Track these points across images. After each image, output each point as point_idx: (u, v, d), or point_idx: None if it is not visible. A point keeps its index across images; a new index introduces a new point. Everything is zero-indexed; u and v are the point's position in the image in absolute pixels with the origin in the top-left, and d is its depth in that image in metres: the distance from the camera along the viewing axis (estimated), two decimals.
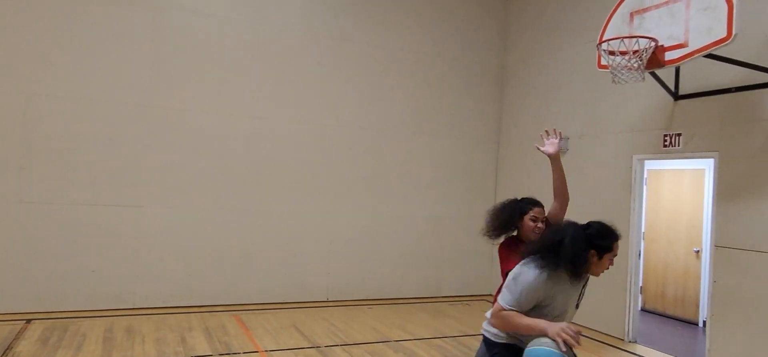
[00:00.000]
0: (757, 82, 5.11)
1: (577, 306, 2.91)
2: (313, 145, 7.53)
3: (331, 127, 7.65)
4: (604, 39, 5.19)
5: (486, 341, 2.98)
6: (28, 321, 5.80)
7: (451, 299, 8.35)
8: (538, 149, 3.47)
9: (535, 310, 2.71)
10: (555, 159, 3.44)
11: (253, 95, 7.19)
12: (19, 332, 5.40)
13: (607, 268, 2.76)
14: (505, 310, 2.71)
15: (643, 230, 7.89)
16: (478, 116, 8.72)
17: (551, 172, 3.55)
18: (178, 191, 6.79)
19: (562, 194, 3.44)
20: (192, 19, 6.85)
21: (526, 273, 2.69)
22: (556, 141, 3.46)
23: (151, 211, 6.64)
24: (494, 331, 2.88)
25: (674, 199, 7.91)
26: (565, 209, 3.48)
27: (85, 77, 6.36)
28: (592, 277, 2.89)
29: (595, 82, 6.99)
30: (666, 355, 5.98)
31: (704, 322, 6.99)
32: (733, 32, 4.33)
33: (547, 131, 3.51)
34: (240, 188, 7.12)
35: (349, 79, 7.77)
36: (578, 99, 7.38)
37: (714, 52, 4.58)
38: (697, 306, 7.45)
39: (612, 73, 4.90)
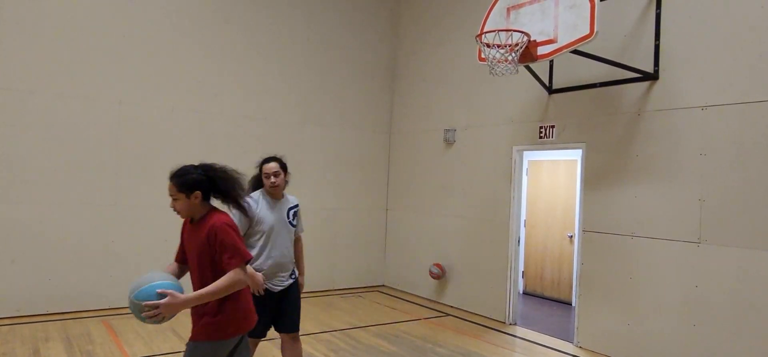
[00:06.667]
0: (618, 78, 5.52)
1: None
2: (192, 134, 7.07)
3: (212, 114, 7.22)
4: (482, 32, 5.32)
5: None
6: None
7: (344, 292, 8.28)
8: None
9: None
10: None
11: (120, 78, 6.57)
12: None
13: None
14: None
15: (523, 218, 8.33)
16: (369, 107, 8.69)
17: None
18: (32, 185, 6.04)
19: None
20: None
21: None
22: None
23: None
24: None
25: (551, 188, 8.41)
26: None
27: None
28: None
29: (478, 75, 7.21)
30: (542, 334, 6.34)
31: None
32: (595, 30, 4.60)
33: None
34: (107, 181, 6.49)
35: (231, 65, 7.38)
36: (463, 91, 7.59)
37: (579, 49, 4.85)
38: (571, 288, 7.99)
39: (489, 65, 5.03)
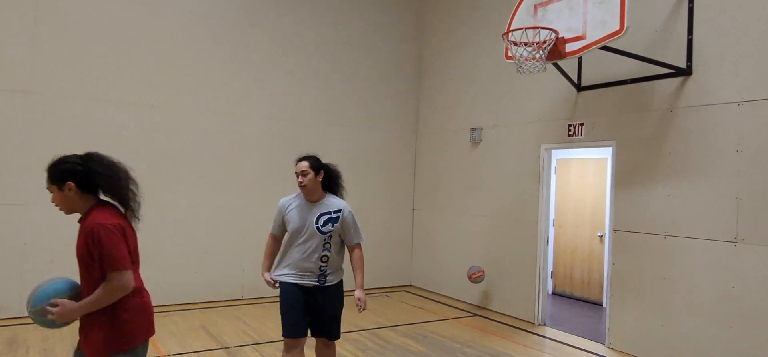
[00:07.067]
0: (649, 74, 5.41)
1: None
2: (221, 135, 7.19)
3: (239, 116, 7.34)
4: (509, 30, 5.29)
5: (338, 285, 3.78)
6: None
7: (371, 291, 8.32)
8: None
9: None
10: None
11: (150, 82, 6.73)
12: None
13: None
14: None
15: (552, 217, 8.23)
16: (395, 107, 8.71)
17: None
18: None
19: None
20: None
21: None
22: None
23: (37, 209, 6.06)
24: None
25: (580, 187, 8.29)
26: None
27: None
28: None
29: (504, 74, 7.16)
30: (572, 335, 6.25)
31: None
32: (625, 25, 4.52)
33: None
34: (142, 183, 6.61)
35: (258, 68, 7.48)
36: (490, 90, 7.54)
37: (609, 45, 4.78)
38: (602, 288, 7.86)
39: (516, 63, 4.99)
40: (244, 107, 7.39)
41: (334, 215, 3.65)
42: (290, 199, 3.75)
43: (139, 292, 2.49)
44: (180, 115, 6.92)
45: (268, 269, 3.82)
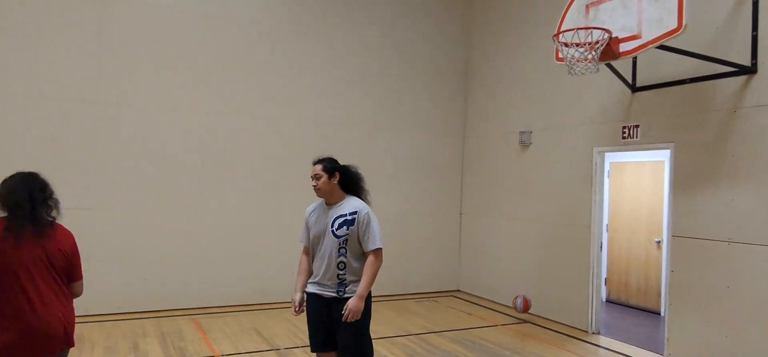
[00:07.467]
0: (710, 73, 5.16)
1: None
2: (271, 140, 7.37)
3: (289, 122, 7.50)
4: (559, 31, 5.17)
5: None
6: None
7: (418, 296, 8.30)
8: None
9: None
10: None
11: (206, 91, 6.99)
12: None
13: None
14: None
15: (605, 222, 7.98)
16: (442, 111, 8.68)
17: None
18: (130, 191, 6.54)
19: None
20: (142, 11, 6.62)
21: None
22: None
23: (101, 213, 6.39)
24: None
25: (635, 191, 8.00)
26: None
27: (27, 72, 6.07)
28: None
29: (554, 75, 7.01)
30: (628, 345, 6.03)
31: None
32: (684, 23, 4.34)
33: None
34: (195, 187, 6.91)
35: (307, 74, 7.62)
36: (539, 92, 7.40)
37: (666, 44, 4.59)
38: (659, 296, 7.55)
39: (568, 65, 4.88)
40: (296, 113, 7.55)
41: (349, 217, 3.41)
42: (314, 205, 3.61)
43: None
44: (234, 121, 7.14)
45: (301, 288, 3.54)
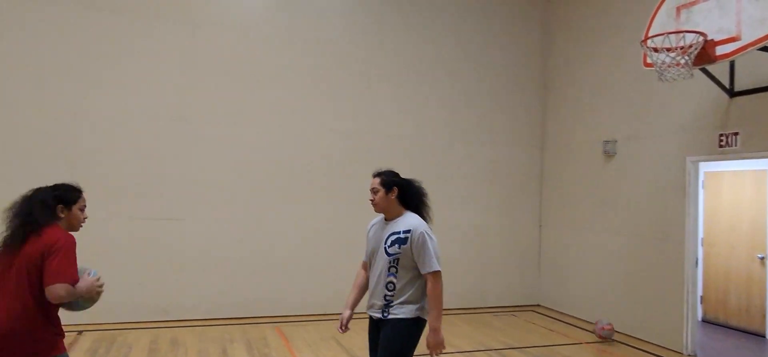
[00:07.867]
0: None
1: None
2: (347, 152, 7.53)
3: (365, 134, 7.63)
4: (648, 36, 4.93)
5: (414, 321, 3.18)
6: (80, 332, 6.04)
7: (496, 310, 8.13)
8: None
9: None
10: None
11: (290, 106, 7.27)
12: (71, 343, 5.63)
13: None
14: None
15: (700, 236, 7.44)
16: (520, 121, 8.50)
17: None
18: (219, 203, 6.92)
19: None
20: (227, 33, 7.02)
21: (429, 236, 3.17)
22: None
23: (192, 224, 6.81)
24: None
25: (734, 202, 7.41)
26: None
27: (125, 93, 6.60)
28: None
29: (642, 82, 6.66)
30: None
31: None
32: None
33: None
34: (280, 199, 7.19)
35: (383, 86, 7.74)
36: (625, 100, 7.06)
37: None
38: (764, 316, 6.93)
39: (657, 71, 4.63)
40: (370, 124, 7.68)
41: (402, 235, 3.15)
42: (375, 220, 3.41)
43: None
44: (309, 134, 7.37)
45: (350, 305, 3.44)
